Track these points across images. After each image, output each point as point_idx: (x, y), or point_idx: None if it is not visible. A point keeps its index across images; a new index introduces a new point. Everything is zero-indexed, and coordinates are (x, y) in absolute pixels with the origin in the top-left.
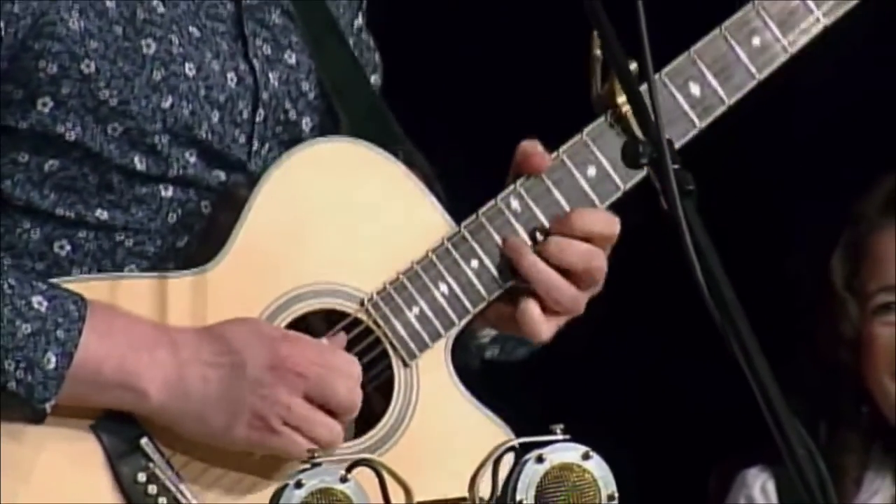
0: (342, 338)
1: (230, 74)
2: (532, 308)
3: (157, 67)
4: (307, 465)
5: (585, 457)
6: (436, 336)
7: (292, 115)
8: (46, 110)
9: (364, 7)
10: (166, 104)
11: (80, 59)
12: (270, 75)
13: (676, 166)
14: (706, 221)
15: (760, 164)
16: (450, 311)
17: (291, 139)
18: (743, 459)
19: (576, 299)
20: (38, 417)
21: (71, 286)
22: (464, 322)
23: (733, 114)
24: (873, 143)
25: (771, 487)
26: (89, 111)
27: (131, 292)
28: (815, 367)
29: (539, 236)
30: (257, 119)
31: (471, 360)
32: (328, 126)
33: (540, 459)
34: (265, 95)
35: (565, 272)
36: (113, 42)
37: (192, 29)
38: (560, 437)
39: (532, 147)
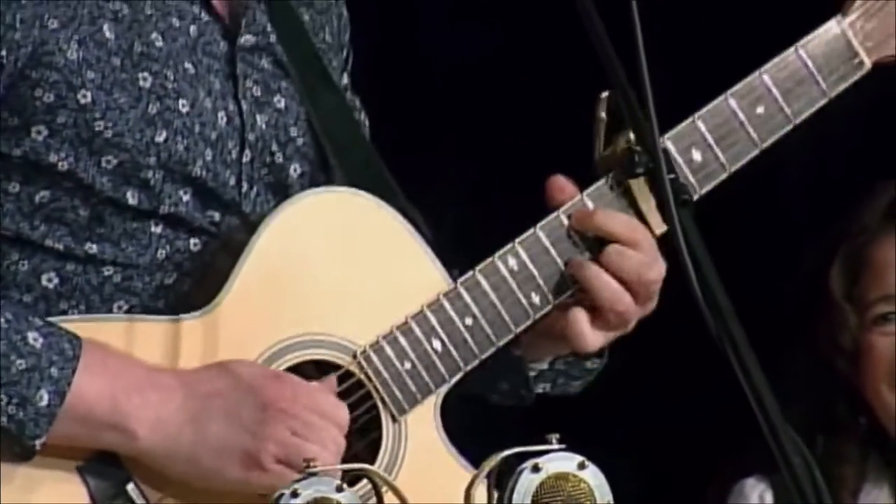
0: (332, 383)
1: (220, 113)
2: (581, 318)
3: (152, 101)
4: (303, 475)
5: (581, 466)
6: (426, 392)
7: (279, 158)
8: (40, 139)
9: (349, 68)
10: (160, 138)
11: (77, 90)
12: (258, 117)
13: (672, 176)
14: (702, 230)
15: (756, 175)
16: (441, 368)
17: (277, 183)
18: (740, 469)
19: (631, 310)
20: (27, 455)
21: (69, 326)
22: (455, 379)
23: None
24: (872, 152)
25: (769, 497)
26: (83, 142)
27: (119, 334)
28: (812, 378)
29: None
30: (244, 160)
31: (523, 394)
32: (320, 177)
33: (536, 469)
34: (251, 137)
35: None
36: (110, 73)
37: (187, 65)
38: (556, 446)
39: (559, 181)
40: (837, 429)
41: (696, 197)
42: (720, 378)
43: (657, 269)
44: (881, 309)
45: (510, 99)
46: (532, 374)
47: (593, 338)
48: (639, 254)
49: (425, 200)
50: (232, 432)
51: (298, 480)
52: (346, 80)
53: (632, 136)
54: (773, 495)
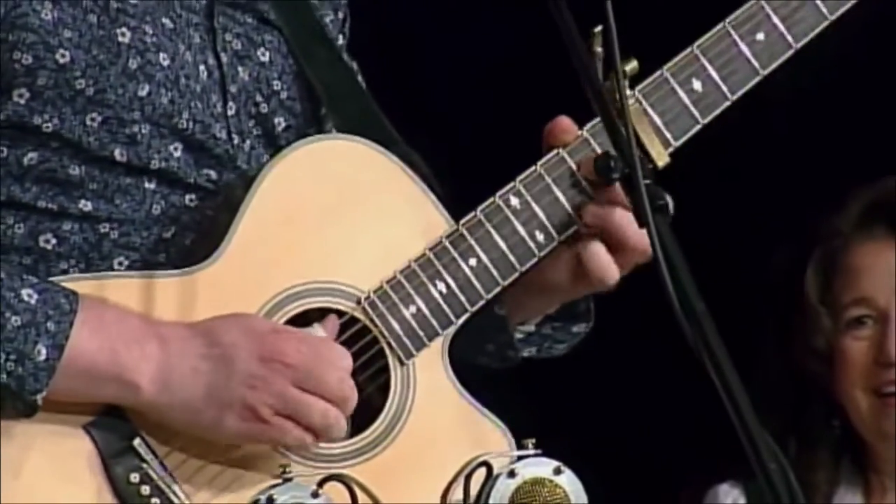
0: (334, 323)
1: (201, 67)
2: (599, 249)
3: (132, 56)
4: (279, 481)
5: (557, 471)
6: (433, 335)
7: (263, 109)
8: (23, 102)
9: (346, 30)
10: (143, 92)
11: (55, 49)
12: (239, 69)
13: (648, 181)
14: (677, 236)
15: (733, 177)
16: (447, 310)
17: (266, 134)
18: (714, 474)
19: (640, 235)
20: (29, 411)
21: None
22: (461, 320)
23: (704, 127)
24: (846, 156)
25: (742, 502)
26: (66, 101)
27: (125, 290)
28: (785, 382)
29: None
30: (229, 112)
31: (510, 354)
32: (308, 131)
33: (512, 474)
34: (233, 88)
35: None
36: (87, 31)
37: (164, 20)
38: (531, 451)
39: (560, 121)
40: (811, 434)
41: (698, 127)
42: (695, 383)
43: None
44: (854, 312)
45: (509, 94)
46: (519, 336)
47: (615, 269)
48: None
49: None
50: (230, 385)
51: (274, 486)
52: (341, 41)
53: (635, 63)
54: (746, 500)
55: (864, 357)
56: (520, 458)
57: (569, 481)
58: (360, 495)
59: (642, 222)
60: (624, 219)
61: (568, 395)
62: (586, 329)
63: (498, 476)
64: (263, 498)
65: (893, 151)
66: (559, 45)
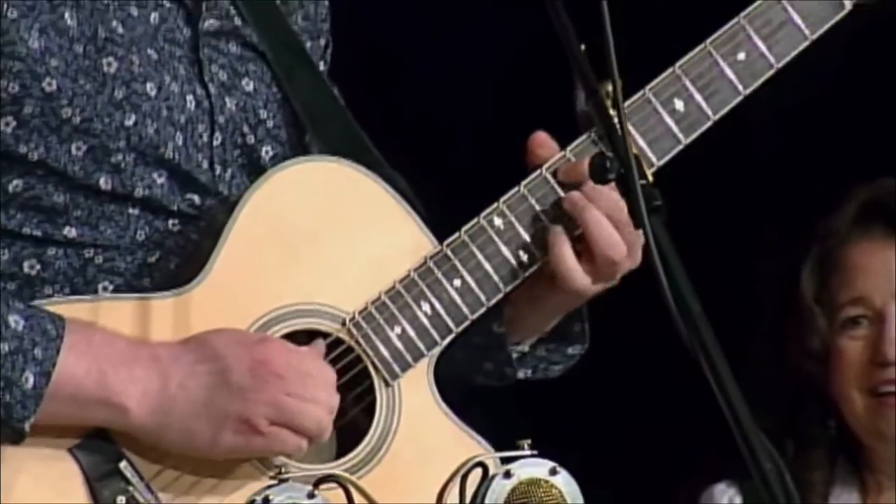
0: (321, 347)
1: (189, 97)
2: (567, 251)
3: (118, 86)
4: (274, 482)
5: (553, 472)
6: (418, 355)
7: (250, 139)
8: (9, 130)
9: (328, 58)
10: (129, 122)
11: (41, 78)
12: (227, 100)
13: (644, 182)
14: (673, 235)
15: (727, 178)
16: (432, 331)
17: (250, 163)
18: (710, 474)
19: (623, 257)
20: (17, 438)
21: (54, 308)
22: (447, 341)
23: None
24: (840, 156)
25: (738, 502)
26: (52, 130)
27: (113, 313)
28: (781, 382)
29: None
30: (215, 143)
31: (507, 372)
32: (293, 157)
33: (507, 475)
34: (221, 119)
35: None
36: (73, 60)
37: (150, 51)
38: (527, 452)
39: (539, 137)
40: (806, 433)
41: (681, 146)
42: (691, 383)
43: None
44: (850, 312)
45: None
46: (514, 356)
47: (582, 278)
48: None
49: None
50: (222, 399)
51: (270, 487)
52: (323, 67)
53: (609, 88)
54: (742, 501)
55: (861, 357)
56: (515, 458)
57: (564, 482)
58: (356, 496)
59: (638, 223)
60: (594, 217)
61: (563, 395)
62: (581, 350)
63: (494, 476)
64: (259, 498)
65: (888, 152)
66: (548, 54)
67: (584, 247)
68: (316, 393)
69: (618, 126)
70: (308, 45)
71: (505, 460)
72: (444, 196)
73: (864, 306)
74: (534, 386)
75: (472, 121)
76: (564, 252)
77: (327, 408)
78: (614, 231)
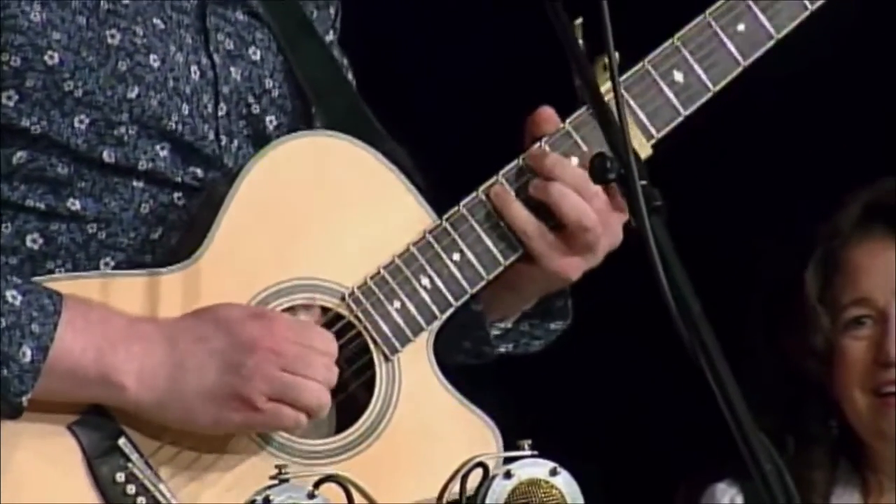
0: (317, 316)
1: (193, 67)
2: (544, 234)
3: (121, 58)
4: (275, 482)
5: (553, 472)
6: (418, 330)
7: (255, 109)
8: (11, 104)
9: (338, 25)
10: (132, 94)
11: (44, 51)
12: (232, 69)
13: (644, 182)
14: (673, 235)
15: (727, 177)
16: (432, 305)
17: (256, 134)
18: (711, 474)
19: (585, 212)
20: (14, 412)
21: (64, 284)
22: (446, 315)
23: (699, 127)
24: (841, 156)
25: (739, 502)
26: (55, 104)
27: (123, 290)
28: (783, 382)
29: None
30: (220, 113)
31: (485, 350)
32: (301, 128)
33: (508, 475)
34: (225, 89)
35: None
36: (76, 33)
37: (156, 20)
38: (528, 452)
39: (541, 112)
40: (808, 434)
41: (680, 118)
42: (692, 382)
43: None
44: (854, 312)
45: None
46: (496, 332)
47: (560, 257)
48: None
49: None
50: (219, 375)
51: (270, 487)
52: (332, 36)
53: (607, 60)
54: (743, 500)
55: (864, 357)
56: (516, 458)
57: (565, 482)
58: (356, 495)
59: (638, 223)
60: (560, 192)
61: (564, 395)
62: (563, 326)
63: (494, 477)
64: (260, 499)
65: (891, 151)
66: (548, 49)
67: (557, 222)
68: (315, 368)
69: (618, 125)
70: (315, 14)
71: (505, 460)
72: (444, 175)
73: (868, 306)
74: (534, 384)
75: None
76: (539, 231)
77: (326, 383)
78: (580, 199)
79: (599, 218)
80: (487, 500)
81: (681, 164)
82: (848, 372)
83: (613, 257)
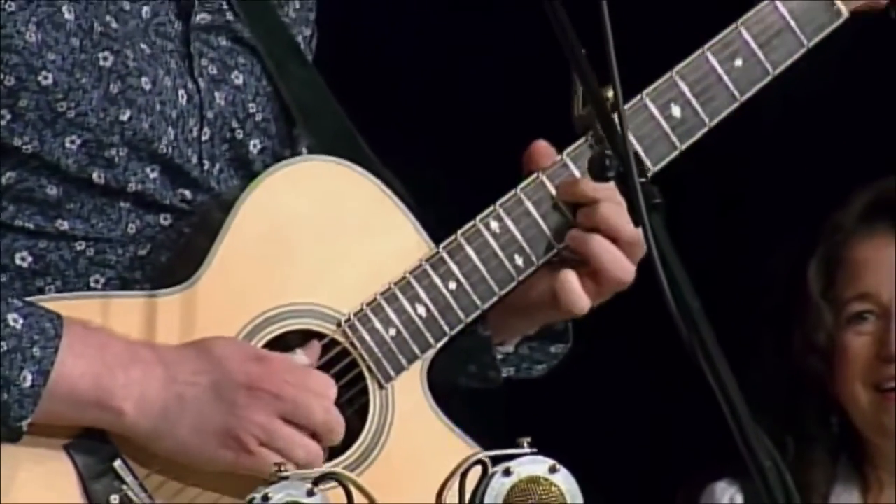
0: (316, 349)
1: (181, 91)
2: (571, 278)
3: (113, 80)
4: (274, 479)
5: (552, 470)
6: (412, 358)
7: (238, 134)
8: (4, 123)
9: (313, 47)
10: (124, 117)
11: (38, 71)
12: (216, 94)
13: (643, 180)
14: (672, 232)
15: (728, 174)
16: (427, 334)
17: (238, 158)
18: (711, 472)
19: (625, 266)
20: (14, 436)
21: (63, 304)
22: (440, 344)
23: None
24: (848, 153)
25: (739, 501)
26: (47, 124)
27: (122, 311)
28: (783, 380)
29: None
30: (203, 138)
31: (491, 375)
32: (283, 152)
33: (507, 472)
34: (210, 114)
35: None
36: (70, 54)
37: (143, 46)
38: (527, 450)
39: (539, 146)
40: (808, 432)
41: (676, 153)
42: (692, 381)
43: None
44: (856, 307)
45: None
46: (498, 356)
47: (586, 301)
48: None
49: None
50: (215, 414)
51: (270, 484)
52: (309, 57)
53: (610, 93)
54: (743, 499)
55: (866, 352)
56: (515, 456)
57: (564, 480)
58: (356, 495)
59: (637, 220)
60: (601, 246)
61: (563, 393)
62: (564, 350)
63: (493, 474)
64: (258, 496)
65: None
66: (550, 56)
67: (589, 271)
68: (313, 413)
69: (617, 124)
70: (299, 37)
71: (505, 458)
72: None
73: (871, 302)
74: (533, 383)
75: (472, 122)
76: (569, 278)
77: (324, 427)
78: (622, 255)
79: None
80: (486, 498)
81: (681, 161)
82: (850, 367)
83: None
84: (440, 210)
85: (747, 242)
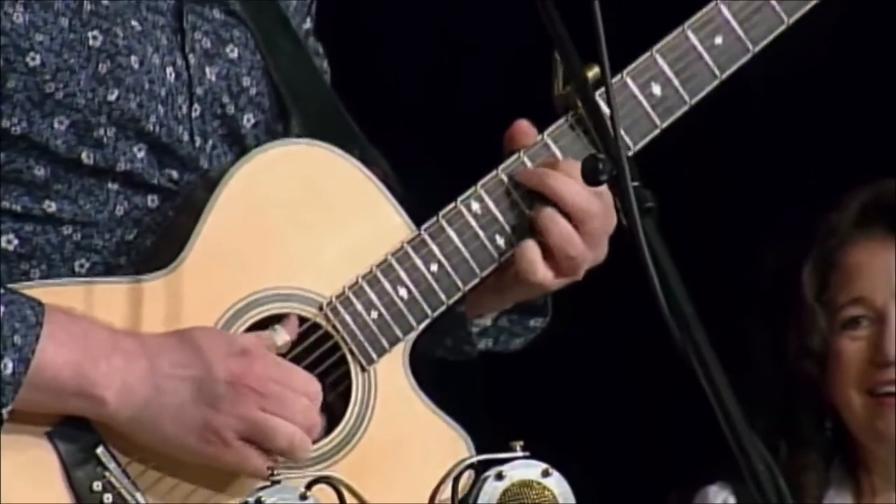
0: (294, 324)
1: (169, 69)
2: (532, 247)
3: (102, 60)
4: (267, 483)
5: (545, 474)
6: (394, 341)
7: (230, 109)
8: None
9: (313, 12)
10: (112, 97)
11: (26, 52)
12: (207, 70)
13: (636, 183)
14: (665, 235)
15: (722, 177)
16: (409, 316)
17: (231, 134)
18: (704, 475)
19: (570, 239)
20: None
21: (48, 290)
22: (423, 326)
23: (694, 125)
24: (843, 155)
25: (732, 503)
26: (35, 105)
27: (106, 297)
28: (777, 384)
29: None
30: (194, 114)
31: (466, 349)
32: (276, 126)
33: (500, 476)
34: (199, 90)
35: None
36: (58, 34)
37: (133, 22)
38: (520, 453)
39: (520, 125)
40: (801, 435)
41: (657, 131)
42: (684, 383)
43: (609, 220)
44: (851, 312)
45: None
46: (475, 329)
47: (544, 272)
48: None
49: None
50: (196, 408)
51: (262, 488)
52: (308, 24)
53: (597, 70)
54: (736, 501)
55: (861, 357)
56: (508, 460)
57: (557, 483)
58: (348, 497)
59: (630, 224)
60: (548, 217)
61: (556, 396)
62: (543, 324)
63: (486, 478)
64: (252, 500)
65: (890, 152)
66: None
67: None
68: (294, 409)
69: (609, 127)
70: (293, 3)
71: (497, 462)
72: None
73: (865, 306)
74: (526, 385)
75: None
76: (528, 245)
77: (304, 425)
78: (569, 227)
79: (591, 240)
80: (479, 501)
81: (675, 163)
82: (844, 372)
83: (607, 258)
84: (433, 198)
85: (741, 245)
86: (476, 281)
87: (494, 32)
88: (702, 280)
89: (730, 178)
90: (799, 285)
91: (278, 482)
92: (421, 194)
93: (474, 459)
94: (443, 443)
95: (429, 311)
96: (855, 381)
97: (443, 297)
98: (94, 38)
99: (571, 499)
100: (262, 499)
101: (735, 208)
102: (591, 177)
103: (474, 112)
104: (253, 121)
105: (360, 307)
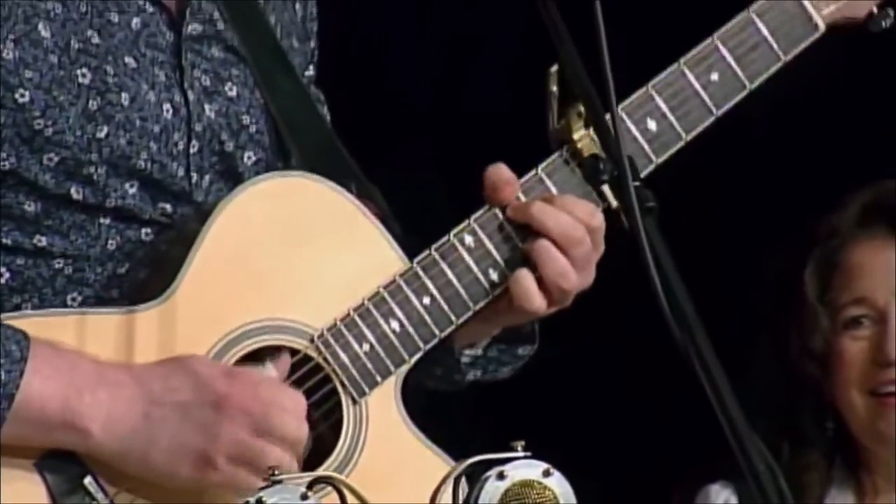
0: (286, 360)
1: (166, 105)
2: (527, 276)
3: (92, 97)
4: (268, 483)
5: (546, 474)
6: (385, 373)
7: (229, 146)
8: None
9: (316, 60)
10: (101, 134)
11: (15, 89)
12: (206, 106)
13: (637, 183)
14: (666, 235)
15: (723, 178)
16: (400, 349)
17: (228, 170)
18: (706, 474)
19: (560, 269)
20: None
21: (42, 321)
22: (414, 359)
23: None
24: (844, 156)
25: (734, 502)
26: (24, 141)
27: (99, 328)
28: (778, 384)
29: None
30: (191, 150)
31: (457, 378)
32: (277, 164)
33: (501, 476)
34: (198, 127)
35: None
36: (48, 71)
37: (127, 59)
38: (521, 453)
39: (498, 175)
40: (803, 435)
41: (652, 167)
42: (686, 383)
43: (596, 247)
44: (852, 312)
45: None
46: (466, 360)
47: (540, 302)
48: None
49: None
50: (184, 432)
51: (263, 488)
52: (311, 71)
53: (582, 109)
54: (738, 500)
55: (862, 357)
56: (509, 460)
57: (558, 483)
58: (350, 498)
59: (632, 224)
60: (542, 248)
61: (557, 396)
62: (531, 351)
63: (487, 478)
64: (253, 500)
65: (890, 152)
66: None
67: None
68: (283, 426)
69: (611, 127)
70: (296, 46)
71: (499, 462)
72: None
73: (867, 306)
74: (529, 384)
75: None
76: (523, 274)
77: (294, 441)
78: (564, 260)
79: (577, 265)
80: (480, 502)
81: (676, 164)
82: (846, 372)
83: (607, 260)
84: (437, 211)
85: (743, 246)
86: (469, 314)
87: (502, 36)
88: (703, 280)
89: (730, 178)
90: (800, 286)
91: (279, 482)
92: (426, 201)
93: (476, 459)
94: (434, 475)
95: (421, 345)
96: (857, 381)
97: (435, 330)
98: (83, 75)
99: (573, 499)
100: (263, 499)
101: (736, 209)
102: (592, 177)
103: (481, 115)
104: (254, 158)
105: (351, 340)
